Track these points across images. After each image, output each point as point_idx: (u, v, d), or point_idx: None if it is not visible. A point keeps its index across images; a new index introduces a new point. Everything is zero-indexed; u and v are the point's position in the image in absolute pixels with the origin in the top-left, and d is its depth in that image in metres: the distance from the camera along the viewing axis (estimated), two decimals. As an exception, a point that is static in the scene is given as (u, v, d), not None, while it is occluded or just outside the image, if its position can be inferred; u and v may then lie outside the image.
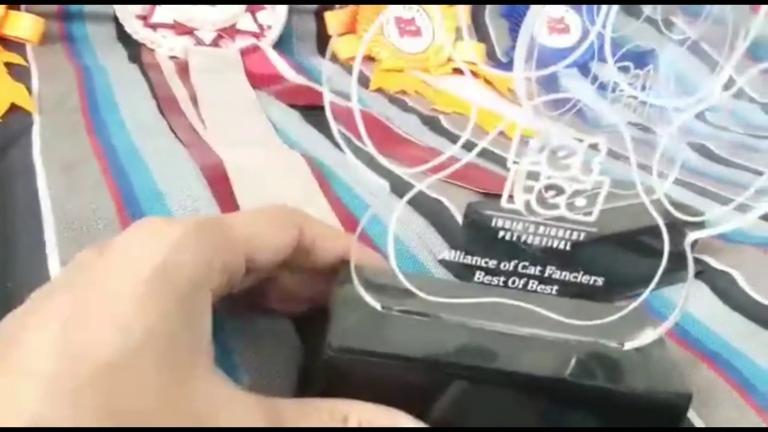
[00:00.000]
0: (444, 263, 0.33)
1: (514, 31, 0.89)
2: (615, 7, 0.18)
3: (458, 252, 0.23)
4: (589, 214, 0.21)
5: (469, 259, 0.23)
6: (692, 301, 0.32)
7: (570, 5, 0.89)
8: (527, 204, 0.21)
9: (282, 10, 0.76)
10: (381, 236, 0.33)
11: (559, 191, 0.21)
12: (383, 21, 0.71)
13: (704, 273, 0.36)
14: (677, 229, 0.21)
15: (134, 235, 0.20)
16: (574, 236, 0.22)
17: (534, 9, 0.21)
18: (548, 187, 0.21)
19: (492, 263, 0.23)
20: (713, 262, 0.36)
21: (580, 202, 0.21)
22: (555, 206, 0.21)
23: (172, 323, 0.17)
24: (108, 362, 0.16)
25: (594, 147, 0.20)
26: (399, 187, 0.22)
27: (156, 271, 0.18)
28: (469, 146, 0.19)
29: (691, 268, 0.21)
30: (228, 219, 0.22)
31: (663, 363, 0.22)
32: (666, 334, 0.23)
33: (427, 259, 0.33)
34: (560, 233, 0.22)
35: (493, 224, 0.22)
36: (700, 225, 0.22)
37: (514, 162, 0.20)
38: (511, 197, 0.21)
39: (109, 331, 0.16)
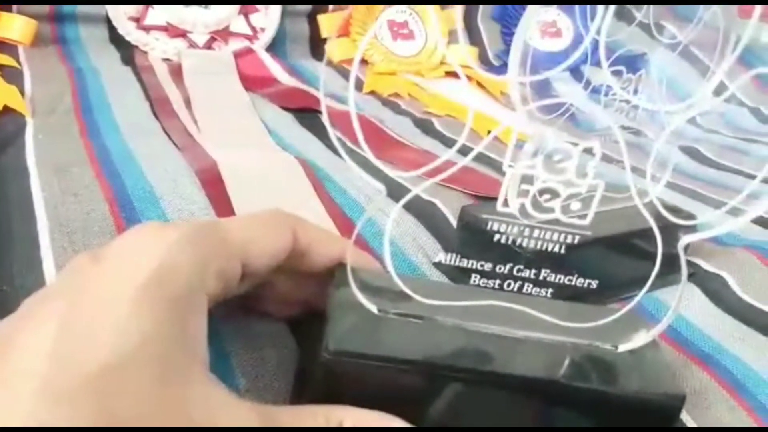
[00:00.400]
0: (439, 266, 0.33)
1: (506, 34, 0.90)
2: (610, 12, 0.19)
3: (453, 255, 0.23)
4: (584, 217, 0.21)
5: (464, 262, 0.23)
6: (684, 303, 0.33)
7: (561, 9, 0.90)
8: (522, 207, 0.21)
9: (275, 12, 0.76)
10: (375, 238, 0.33)
11: (554, 195, 0.21)
12: (376, 24, 0.71)
13: (696, 275, 0.36)
14: (669, 231, 0.22)
15: (129, 240, 0.20)
16: (569, 239, 0.22)
17: (529, 12, 0.21)
18: (543, 191, 0.21)
19: (487, 266, 0.23)
20: (705, 265, 0.37)
21: (574, 205, 0.21)
22: (550, 210, 0.21)
23: (167, 328, 0.17)
24: (104, 365, 0.16)
25: (588, 151, 0.20)
26: (394, 190, 0.22)
27: (152, 275, 0.18)
28: (463, 150, 0.19)
29: (684, 270, 0.21)
30: (223, 224, 0.22)
31: (656, 365, 0.22)
32: (659, 336, 0.23)
33: (422, 262, 0.33)
34: (555, 236, 0.22)
35: (488, 227, 0.22)
36: (692, 228, 0.22)
37: (510, 166, 0.21)
38: (506, 201, 0.21)
39: (105, 335, 0.16)
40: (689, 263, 0.36)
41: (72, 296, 0.17)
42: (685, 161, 0.64)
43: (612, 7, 0.19)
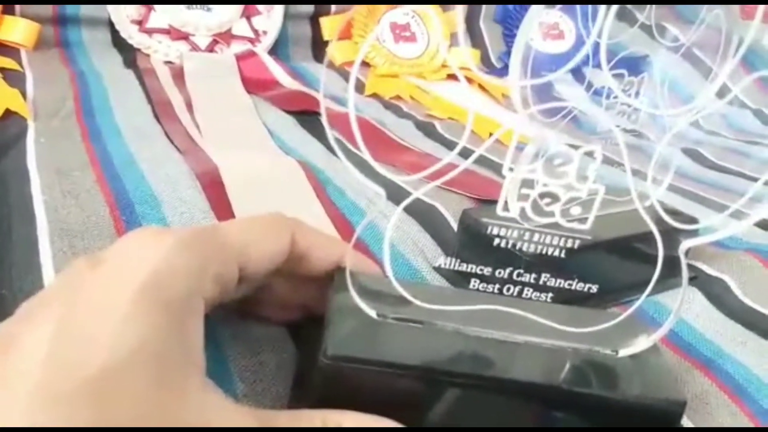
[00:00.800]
0: (439, 270, 0.33)
1: (508, 36, 0.90)
2: (611, 14, 0.18)
3: (453, 259, 0.23)
4: (584, 221, 0.21)
5: (464, 267, 0.23)
6: (686, 307, 0.33)
7: (564, 11, 0.90)
8: (522, 211, 0.21)
9: (277, 15, 0.76)
10: (375, 242, 0.33)
11: (555, 199, 0.21)
12: (378, 26, 0.71)
13: (697, 279, 0.36)
14: (671, 235, 0.22)
15: (127, 245, 0.20)
16: (569, 243, 0.22)
17: (531, 14, 0.21)
18: (543, 195, 0.21)
19: (487, 270, 0.23)
20: (706, 268, 0.37)
21: (575, 209, 0.21)
22: (550, 214, 0.21)
23: (164, 332, 0.17)
24: (101, 368, 0.16)
25: (589, 154, 0.20)
26: (394, 193, 0.22)
27: (149, 279, 0.18)
28: (464, 152, 0.19)
29: (685, 275, 0.21)
30: (221, 228, 0.22)
31: (657, 370, 0.22)
32: (660, 340, 0.23)
33: (422, 266, 0.33)
34: (555, 240, 0.22)
35: (488, 231, 0.22)
36: (693, 232, 0.22)
37: (510, 169, 0.21)
38: (506, 204, 0.21)
39: (103, 338, 0.16)
40: (690, 267, 0.36)
41: (70, 299, 0.17)
42: (687, 163, 0.64)
43: (613, 9, 0.19)
